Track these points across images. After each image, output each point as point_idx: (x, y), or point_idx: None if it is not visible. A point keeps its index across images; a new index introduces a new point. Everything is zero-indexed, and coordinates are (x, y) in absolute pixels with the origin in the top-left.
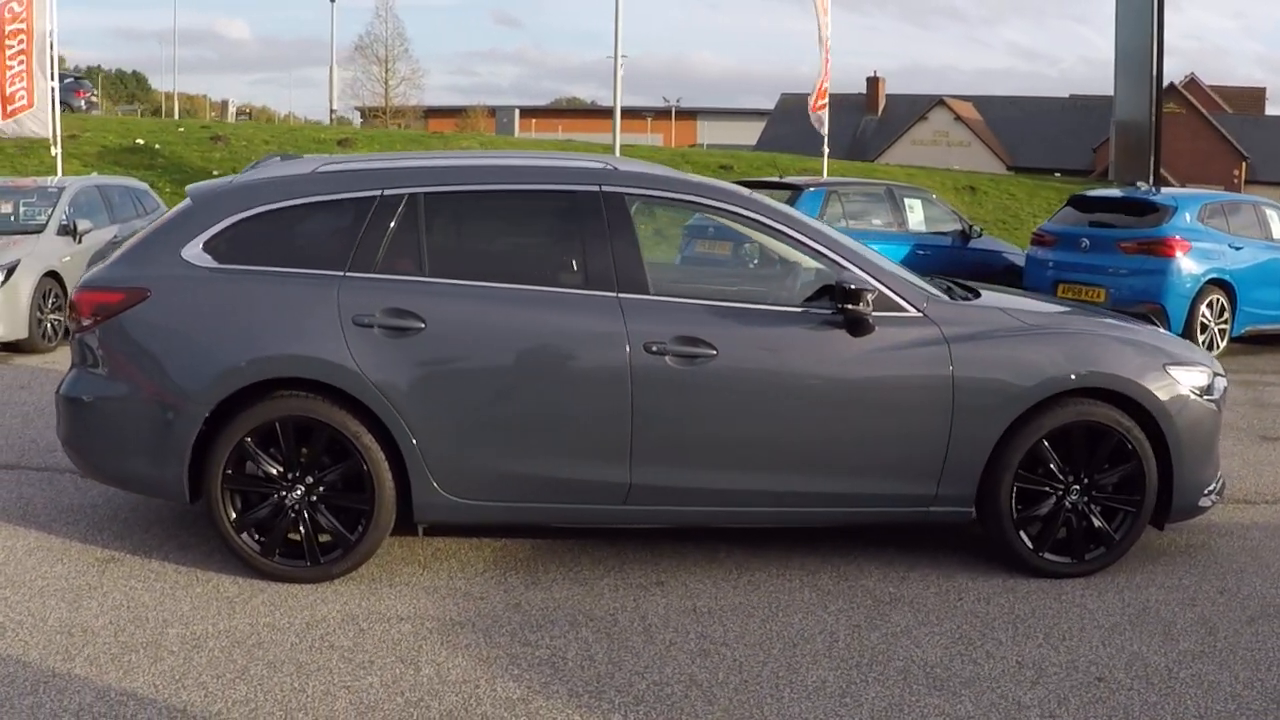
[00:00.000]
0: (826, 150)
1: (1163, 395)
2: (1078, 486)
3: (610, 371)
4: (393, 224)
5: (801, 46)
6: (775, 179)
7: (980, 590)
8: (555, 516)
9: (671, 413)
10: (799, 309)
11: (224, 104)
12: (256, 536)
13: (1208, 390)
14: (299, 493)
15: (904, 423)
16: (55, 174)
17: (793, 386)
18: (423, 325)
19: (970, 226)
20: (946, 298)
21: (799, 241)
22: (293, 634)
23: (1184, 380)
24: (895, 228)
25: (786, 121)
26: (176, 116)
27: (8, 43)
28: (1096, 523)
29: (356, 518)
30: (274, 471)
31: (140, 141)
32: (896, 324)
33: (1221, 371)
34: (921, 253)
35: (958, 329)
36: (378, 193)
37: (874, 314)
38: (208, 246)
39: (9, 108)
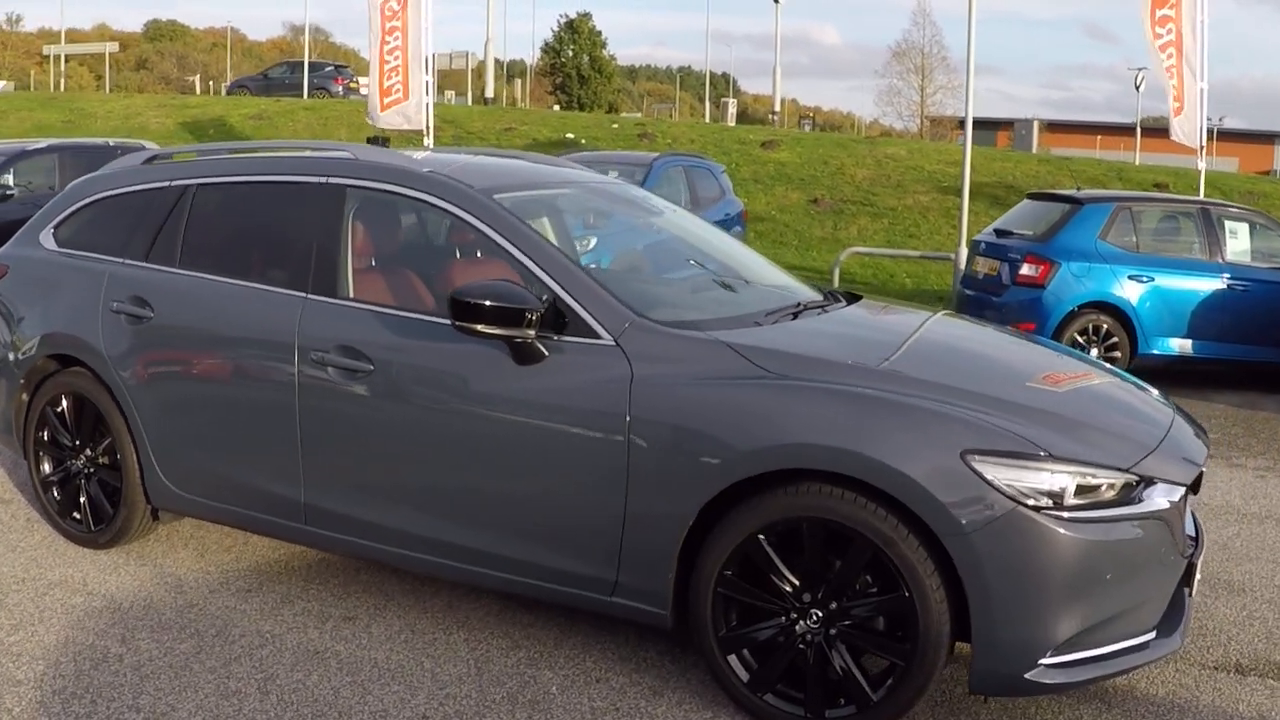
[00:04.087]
0: (1202, 167)
1: (949, 497)
2: (818, 612)
3: (279, 379)
4: (168, 214)
5: None
6: (1058, 191)
7: None
8: (254, 525)
9: (333, 432)
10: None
11: (722, 105)
12: (56, 495)
13: (1062, 501)
14: (80, 463)
15: (570, 482)
16: None
17: (446, 419)
18: (152, 315)
19: None
20: (662, 322)
21: (496, 244)
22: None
23: (1003, 479)
24: (1204, 255)
25: None
26: (729, 120)
27: (386, 39)
28: (841, 669)
29: (116, 493)
30: (63, 441)
31: (570, 135)
32: (577, 352)
33: (1144, 476)
34: (1238, 287)
35: (654, 368)
36: (167, 183)
37: (556, 338)
38: (55, 231)
39: (385, 100)
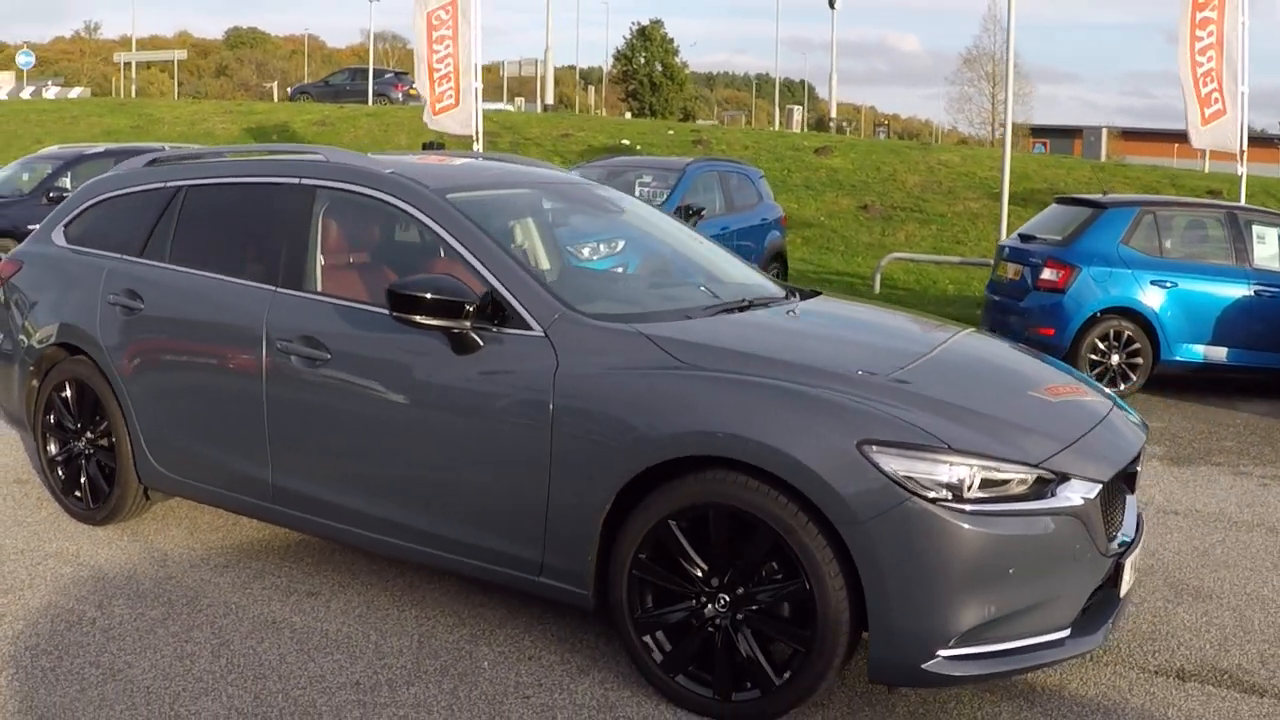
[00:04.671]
0: (1242, 171)
1: (844, 486)
2: (725, 596)
3: (250, 367)
4: (162, 213)
5: None
6: (1084, 195)
7: None
8: (231, 504)
9: (295, 417)
10: None
11: (787, 112)
12: (61, 475)
13: (961, 494)
14: (81, 444)
15: (500, 466)
16: None
17: (391, 405)
18: (142, 306)
19: None
20: (590, 315)
21: (443, 240)
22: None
23: (900, 470)
24: (1230, 261)
25: None
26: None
27: (434, 47)
28: (747, 654)
29: (112, 473)
30: (67, 424)
31: (626, 142)
32: (510, 343)
33: (1058, 472)
34: (1265, 294)
35: (578, 358)
36: (163, 184)
37: (496, 330)
38: (65, 229)
39: (437, 106)
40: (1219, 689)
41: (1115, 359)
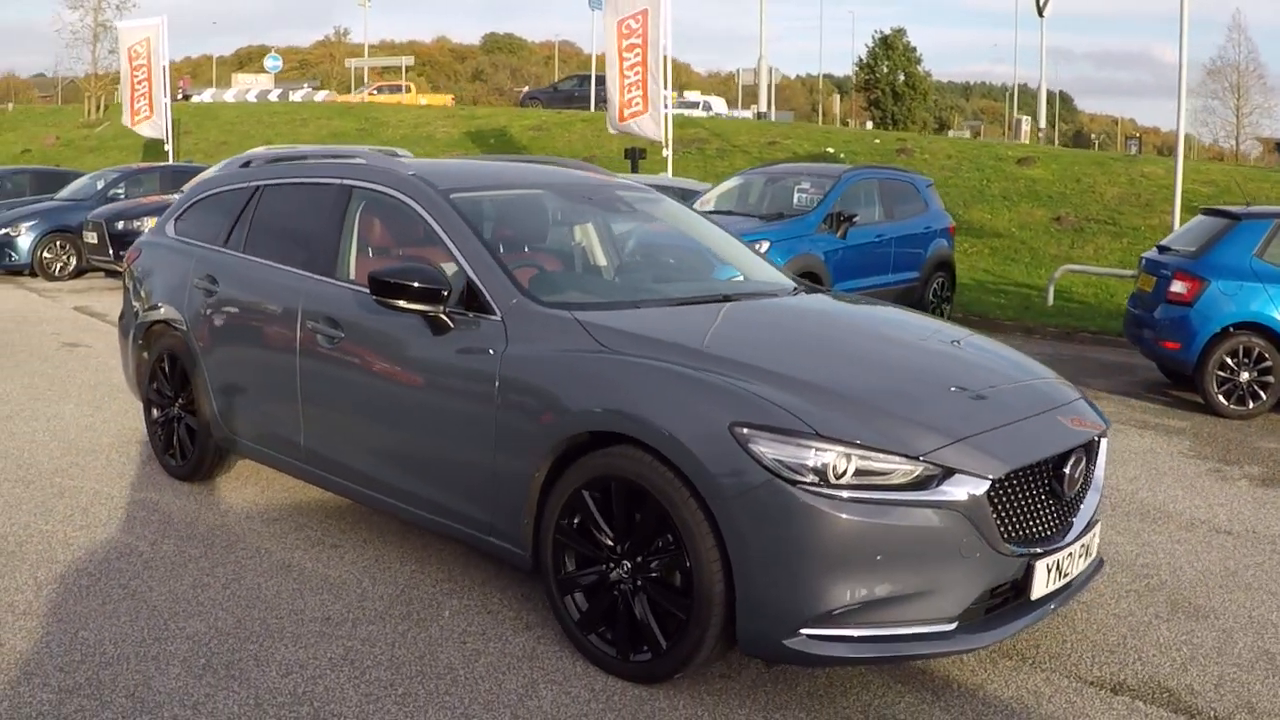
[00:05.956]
0: None
1: (714, 464)
2: (628, 563)
3: (289, 343)
4: (243, 209)
5: None
6: (1225, 207)
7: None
8: (279, 465)
9: (318, 385)
10: None
11: (1015, 123)
12: (160, 435)
13: (828, 478)
14: (175, 409)
15: (461, 436)
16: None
17: (388, 379)
18: (217, 289)
19: None
20: (542, 302)
21: (435, 233)
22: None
23: (768, 453)
24: None
25: None
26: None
27: (624, 55)
28: (640, 617)
29: (194, 434)
30: (165, 391)
31: (830, 150)
32: (473, 326)
33: (942, 465)
34: None
35: (524, 341)
36: (246, 184)
37: (472, 314)
38: (175, 222)
39: (625, 112)
40: (1149, 706)
41: (1244, 376)
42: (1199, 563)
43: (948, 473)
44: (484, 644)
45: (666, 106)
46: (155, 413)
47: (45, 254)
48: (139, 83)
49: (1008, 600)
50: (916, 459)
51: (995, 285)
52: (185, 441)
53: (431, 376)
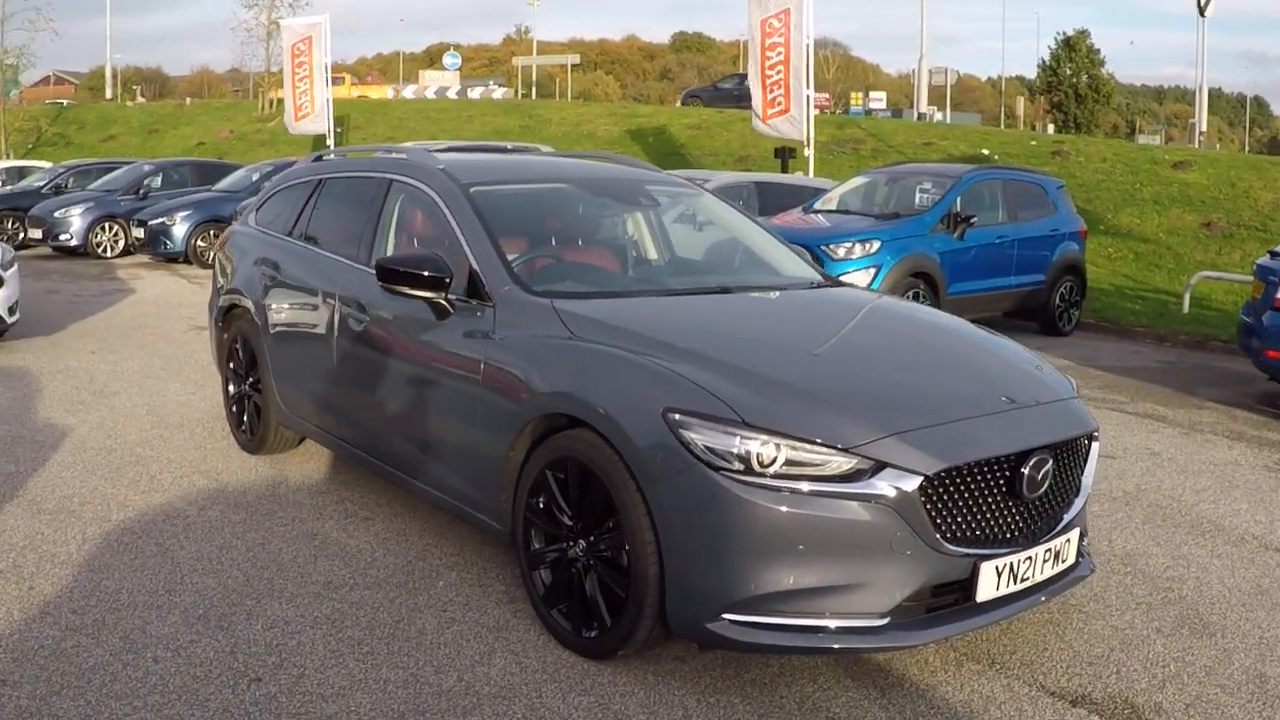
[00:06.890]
0: None
1: (647, 448)
2: (583, 542)
3: (329, 325)
4: (306, 201)
5: None
6: None
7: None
8: (324, 440)
9: (348, 364)
10: None
11: (1190, 127)
12: (235, 411)
13: (752, 467)
14: (245, 387)
15: (455, 414)
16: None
17: (399, 360)
18: (278, 274)
19: None
20: (529, 290)
21: (449, 223)
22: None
23: (697, 439)
24: None
25: None
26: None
27: (767, 54)
28: (589, 594)
29: (259, 411)
30: (239, 369)
31: (985, 151)
32: (469, 312)
33: (873, 459)
34: None
35: (508, 326)
36: (312, 178)
37: (474, 301)
38: (257, 213)
39: (768, 112)
40: None
41: None
42: (1230, 579)
43: (879, 466)
44: (462, 613)
45: (808, 106)
46: (231, 389)
47: (199, 242)
48: (300, 79)
49: (958, 601)
50: (847, 451)
51: (1133, 291)
52: (253, 418)
53: (432, 359)
